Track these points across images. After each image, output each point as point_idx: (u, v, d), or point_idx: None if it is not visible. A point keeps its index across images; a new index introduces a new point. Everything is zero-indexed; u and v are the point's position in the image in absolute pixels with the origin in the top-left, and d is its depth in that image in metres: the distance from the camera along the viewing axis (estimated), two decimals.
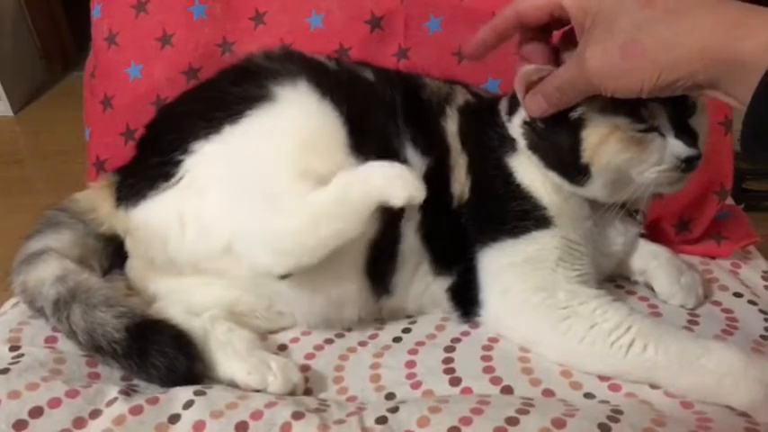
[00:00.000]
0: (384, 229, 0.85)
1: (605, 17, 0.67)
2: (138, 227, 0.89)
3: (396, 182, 0.80)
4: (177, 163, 0.86)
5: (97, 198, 0.93)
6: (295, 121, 0.85)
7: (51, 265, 0.87)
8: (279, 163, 0.84)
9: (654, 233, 1.02)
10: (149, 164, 0.89)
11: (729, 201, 1.10)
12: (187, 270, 0.88)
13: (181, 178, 0.86)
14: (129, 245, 0.91)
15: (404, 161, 0.88)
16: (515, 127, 0.88)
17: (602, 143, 0.80)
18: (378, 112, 0.90)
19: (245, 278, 0.86)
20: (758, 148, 0.58)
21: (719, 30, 0.59)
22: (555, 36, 0.80)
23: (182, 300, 0.87)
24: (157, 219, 0.87)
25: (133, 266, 0.92)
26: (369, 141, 0.87)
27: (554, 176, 0.86)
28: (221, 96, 0.88)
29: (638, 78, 0.65)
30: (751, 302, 0.92)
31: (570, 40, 0.75)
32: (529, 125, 0.86)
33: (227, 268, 0.86)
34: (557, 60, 0.79)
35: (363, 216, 0.81)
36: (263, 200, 0.82)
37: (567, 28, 0.77)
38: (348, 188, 0.81)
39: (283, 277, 0.83)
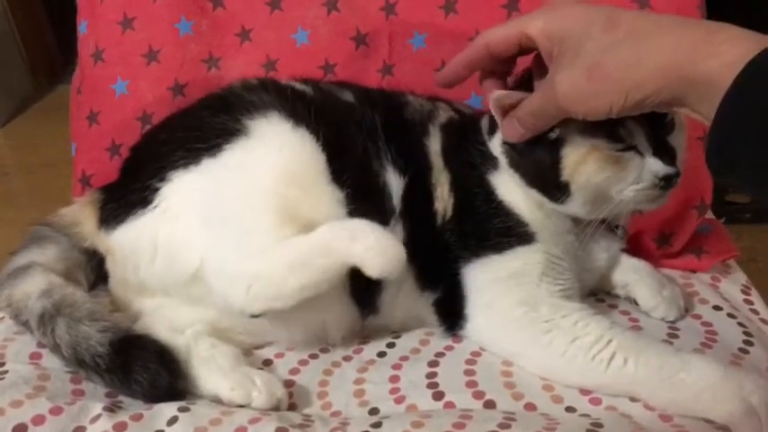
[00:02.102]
0: None
1: (571, 44, 0.68)
2: (115, 249, 0.90)
3: (379, 255, 0.80)
4: (155, 190, 0.87)
5: (81, 215, 0.93)
6: (271, 156, 0.86)
7: (37, 279, 0.88)
8: (257, 200, 0.84)
9: (635, 247, 1.02)
10: (129, 189, 0.89)
11: (710, 214, 1.11)
12: (158, 294, 0.89)
13: (157, 205, 0.86)
14: (109, 265, 0.92)
15: (384, 182, 0.89)
16: (496, 146, 0.89)
17: (580, 163, 0.81)
18: (357, 135, 0.91)
19: (217, 304, 0.86)
20: (721, 167, 0.59)
21: (683, 49, 0.60)
22: (525, 61, 0.82)
23: (165, 316, 0.88)
24: (132, 243, 0.88)
25: (114, 286, 0.92)
26: (349, 166, 0.88)
27: (535, 194, 0.87)
28: (200, 126, 0.89)
29: (605, 100, 0.66)
30: (730, 316, 0.93)
31: (542, 66, 0.77)
32: (509, 144, 0.87)
33: (196, 295, 0.87)
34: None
35: (340, 273, 0.82)
36: (240, 237, 0.83)
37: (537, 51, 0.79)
38: (331, 244, 0.81)
39: (255, 316, 0.84)
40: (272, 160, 0.86)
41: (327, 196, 0.86)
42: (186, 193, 0.86)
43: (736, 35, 0.58)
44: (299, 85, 0.96)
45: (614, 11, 0.68)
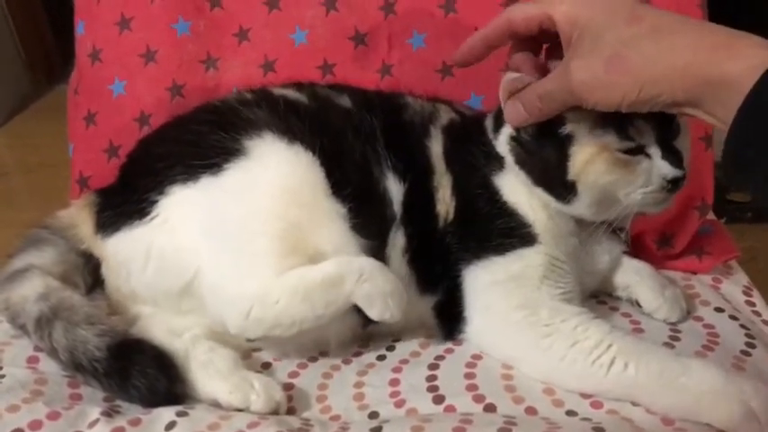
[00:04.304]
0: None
1: (593, 31, 0.69)
2: (109, 256, 0.90)
3: (383, 299, 0.82)
4: (153, 203, 0.87)
5: (78, 217, 0.93)
6: (268, 177, 0.86)
7: (35, 282, 0.87)
8: (258, 222, 0.84)
9: (636, 248, 1.02)
10: (126, 199, 0.89)
11: (711, 215, 1.11)
12: (149, 303, 0.89)
13: (154, 217, 0.86)
14: (104, 271, 0.92)
15: (384, 189, 0.89)
16: (502, 143, 0.89)
17: (589, 162, 0.81)
18: (356, 141, 0.90)
19: (209, 318, 0.87)
20: (739, 170, 0.59)
21: (703, 49, 0.61)
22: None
23: (162, 320, 0.88)
24: (125, 251, 0.88)
25: (110, 291, 0.92)
26: (349, 177, 0.88)
27: (541, 193, 0.86)
28: (197, 142, 0.88)
29: (619, 91, 0.66)
30: (732, 317, 0.92)
31: (555, 53, 0.76)
32: (516, 140, 0.86)
33: (186, 308, 0.87)
34: (545, 72, 0.79)
35: (342, 310, 0.83)
36: (242, 259, 0.84)
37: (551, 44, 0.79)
38: (338, 280, 0.81)
39: (250, 340, 0.85)
40: (270, 181, 0.86)
41: (328, 212, 0.86)
42: (185, 208, 0.86)
43: (758, 42, 0.59)
44: (293, 94, 0.95)
45: (639, 5, 0.68)
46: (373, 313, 0.82)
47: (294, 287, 0.81)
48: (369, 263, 0.83)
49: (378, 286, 0.82)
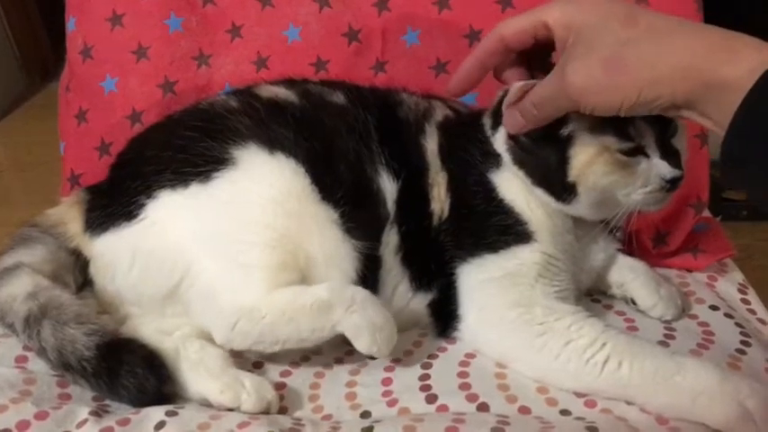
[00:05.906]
0: (363, 260, 0.86)
1: (588, 34, 0.68)
2: (96, 256, 0.89)
3: (371, 333, 0.80)
4: (141, 206, 0.86)
5: (67, 215, 0.92)
6: (255, 188, 0.85)
7: (24, 280, 0.86)
8: (252, 233, 0.84)
9: (631, 246, 1.01)
10: (115, 201, 0.89)
11: (706, 213, 1.10)
12: (134, 305, 0.88)
13: (142, 219, 0.86)
14: (92, 270, 0.91)
15: (377, 188, 0.88)
16: (500, 142, 0.88)
17: (589, 163, 0.80)
18: (349, 140, 0.89)
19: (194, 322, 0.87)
20: (735, 170, 0.59)
21: (702, 51, 0.60)
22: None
23: (153, 319, 0.87)
24: (113, 252, 0.87)
25: (98, 290, 0.91)
26: (341, 178, 0.87)
27: (540, 193, 0.86)
28: (185, 148, 0.87)
29: (618, 95, 0.66)
30: (727, 315, 0.92)
31: (541, 62, 0.76)
32: (514, 140, 0.85)
33: (170, 313, 0.87)
34: None
35: (327, 337, 0.82)
36: (232, 271, 0.83)
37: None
38: (326, 307, 0.81)
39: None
40: (259, 192, 0.85)
41: (319, 219, 0.86)
42: (173, 213, 0.85)
43: (753, 44, 0.59)
44: (283, 93, 0.94)
45: (634, 7, 0.68)
46: (359, 345, 0.81)
47: (282, 307, 0.81)
48: (361, 293, 0.82)
49: (367, 318, 0.80)
